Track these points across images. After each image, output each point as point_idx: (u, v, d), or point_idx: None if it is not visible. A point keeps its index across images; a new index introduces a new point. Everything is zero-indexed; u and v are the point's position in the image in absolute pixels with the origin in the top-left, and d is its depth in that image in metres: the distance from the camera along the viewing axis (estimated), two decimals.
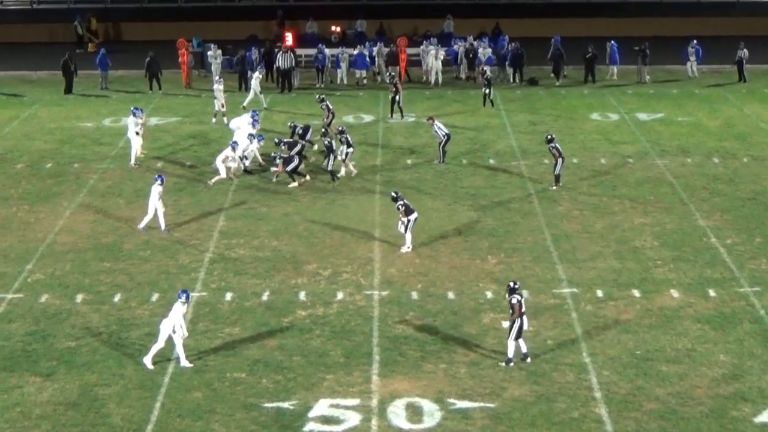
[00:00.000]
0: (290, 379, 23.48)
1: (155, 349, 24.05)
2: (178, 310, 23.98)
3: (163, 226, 32.05)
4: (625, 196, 35.17)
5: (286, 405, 22.46)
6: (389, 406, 22.38)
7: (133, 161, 38.74)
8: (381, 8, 63.86)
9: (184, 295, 24.26)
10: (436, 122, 38.81)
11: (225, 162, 36.39)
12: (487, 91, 46.52)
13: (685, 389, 22.95)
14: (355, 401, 22.59)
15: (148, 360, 24.06)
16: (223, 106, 44.44)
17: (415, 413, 22.14)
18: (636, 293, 27.80)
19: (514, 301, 23.94)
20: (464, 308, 27.00)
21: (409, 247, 30.52)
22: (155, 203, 31.97)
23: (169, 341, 23.98)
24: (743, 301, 27.28)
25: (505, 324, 24.20)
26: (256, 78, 47.10)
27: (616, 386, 23.10)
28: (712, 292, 27.80)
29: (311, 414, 22.13)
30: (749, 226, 32.49)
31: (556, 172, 35.70)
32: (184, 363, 24.07)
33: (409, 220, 30.40)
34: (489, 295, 27.74)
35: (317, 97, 43.49)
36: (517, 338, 23.94)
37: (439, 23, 61.13)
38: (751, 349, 24.74)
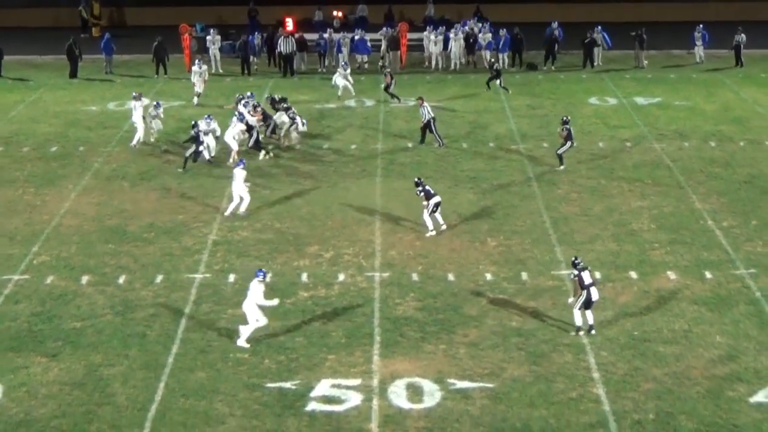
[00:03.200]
0: (292, 360, 23.73)
1: (247, 330, 24.24)
2: (257, 288, 24.15)
3: (238, 210, 32.04)
4: (622, 179, 35.40)
5: (288, 385, 22.70)
6: (390, 386, 22.63)
7: (134, 142, 39.00)
8: None
9: (261, 273, 24.41)
10: (426, 104, 38.98)
11: (235, 138, 36.79)
12: (498, 81, 46.47)
13: (682, 370, 23.21)
14: (357, 381, 22.85)
15: (242, 341, 24.22)
16: (201, 87, 45.19)
17: (415, 393, 22.40)
18: (633, 275, 28.05)
19: (572, 276, 24.80)
20: (464, 290, 27.26)
21: (433, 231, 30.55)
22: (240, 188, 31.96)
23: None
24: (739, 283, 27.53)
25: (571, 300, 24.86)
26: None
27: (613, 367, 23.36)
28: (708, 274, 28.05)
29: (313, 394, 22.38)
30: (745, 209, 32.71)
31: (559, 152, 36.02)
32: (242, 343, 24.22)
33: (429, 204, 30.60)
34: (488, 276, 28.01)
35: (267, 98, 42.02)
36: (585, 308, 24.54)
37: (442, 9, 61.01)
38: (747, 330, 25.00)
